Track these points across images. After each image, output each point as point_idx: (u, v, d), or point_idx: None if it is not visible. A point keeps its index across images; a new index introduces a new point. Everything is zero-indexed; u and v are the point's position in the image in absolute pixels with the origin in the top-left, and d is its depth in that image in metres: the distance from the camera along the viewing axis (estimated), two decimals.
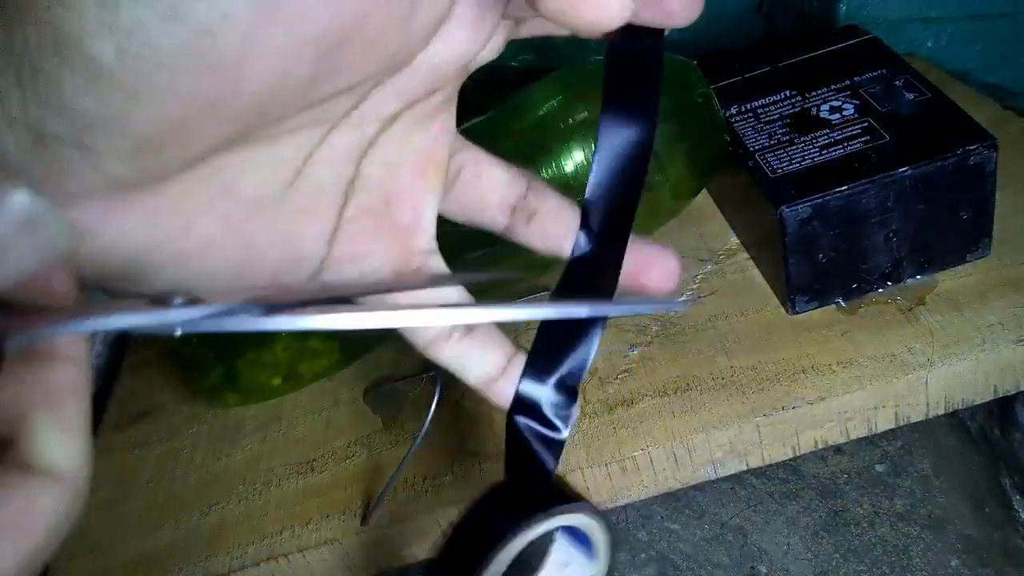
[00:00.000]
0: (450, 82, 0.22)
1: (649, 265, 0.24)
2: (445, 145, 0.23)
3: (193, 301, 0.17)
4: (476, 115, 0.47)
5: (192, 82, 0.14)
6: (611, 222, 0.23)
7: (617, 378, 0.46)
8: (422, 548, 0.44)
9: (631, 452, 0.42)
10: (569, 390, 0.23)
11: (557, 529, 0.25)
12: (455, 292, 0.24)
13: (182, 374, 0.55)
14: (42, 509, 0.16)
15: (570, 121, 0.46)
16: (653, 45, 0.22)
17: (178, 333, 0.16)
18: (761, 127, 0.48)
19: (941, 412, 0.43)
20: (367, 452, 0.47)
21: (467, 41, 0.20)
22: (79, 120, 0.14)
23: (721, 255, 0.52)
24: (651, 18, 0.21)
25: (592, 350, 0.23)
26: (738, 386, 0.43)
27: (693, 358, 0.46)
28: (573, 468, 0.42)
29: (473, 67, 0.22)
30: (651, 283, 0.24)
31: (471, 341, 0.24)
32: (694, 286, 0.50)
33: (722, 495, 0.48)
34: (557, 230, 0.24)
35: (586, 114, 0.46)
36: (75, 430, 0.17)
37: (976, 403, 0.43)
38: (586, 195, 0.23)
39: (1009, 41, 0.63)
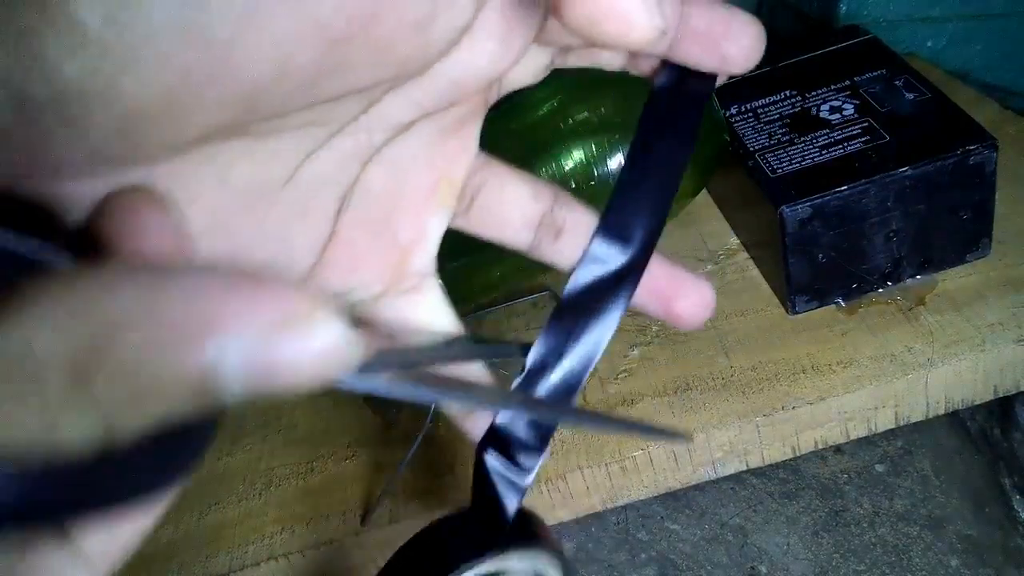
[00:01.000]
0: (472, 97, 0.21)
1: (684, 292, 0.22)
2: (462, 164, 0.22)
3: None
4: None
5: (183, 57, 0.14)
6: (637, 235, 0.22)
7: (617, 378, 0.46)
8: None
9: (631, 452, 0.42)
10: (542, 436, 0.23)
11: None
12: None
13: None
14: None
15: (569, 121, 0.46)
16: (702, 89, 0.20)
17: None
18: (761, 127, 0.48)
19: (941, 412, 0.43)
20: (367, 453, 0.47)
21: (492, 56, 0.19)
22: (63, 88, 0.14)
23: (721, 255, 0.52)
24: (706, 62, 0.20)
25: (572, 403, 0.23)
26: (738, 386, 0.43)
27: (693, 358, 0.46)
28: (573, 468, 0.42)
29: (506, 88, 0.21)
30: (685, 312, 0.22)
31: (454, 369, 0.23)
32: None
33: (722, 495, 0.48)
34: (584, 247, 0.23)
35: (585, 114, 0.46)
36: None
37: (976, 403, 0.43)
38: (609, 207, 0.22)
39: (1009, 41, 0.63)
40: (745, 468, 0.43)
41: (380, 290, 0.22)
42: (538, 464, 0.23)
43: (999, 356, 0.41)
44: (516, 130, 0.47)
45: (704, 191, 0.54)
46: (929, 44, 0.64)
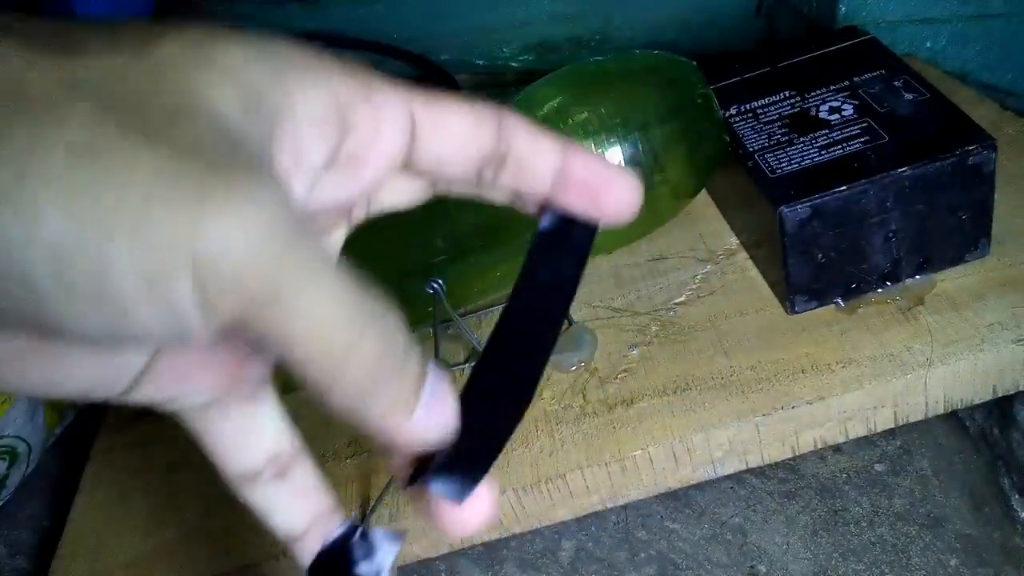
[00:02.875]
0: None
1: (610, 184, 0.21)
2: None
3: None
4: None
5: None
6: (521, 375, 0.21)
7: (617, 378, 0.46)
8: (421, 547, 0.44)
9: (631, 451, 0.42)
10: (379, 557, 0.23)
11: None
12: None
13: None
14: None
15: (569, 122, 0.46)
16: (585, 234, 0.21)
17: None
18: (760, 127, 0.48)
19: (940, 412, 0.43)
20: (366, 452, 0.47)
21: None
22: None
23: (721, 255, 0.52)
24: (584, 209, 0.21)
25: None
26: (738, 386, 0.43)
27: (693, 358, 0.46)
28: (573, 467, 0.42)
29: (381, 209, 0.22)
30: (611, 203, 0.21)
31: (283, 485, 0.23)
32: (693, 286, 0.50)
33: (722, 494, 0.48)
34: (537, 169, 0.21)
35: (585, 115, 0.46)
36: None
37: (975, 403, 0.43)
38: (486, 352, 0.21)
39: (1008, 41, 0.63)
40: (744, 468, 0.44)
41: (212, 396, 0.22)
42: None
43: (998, 356, 0.41)
44: None
45: (704, 191, 0.54)
46: (928, 45, 0.64)
